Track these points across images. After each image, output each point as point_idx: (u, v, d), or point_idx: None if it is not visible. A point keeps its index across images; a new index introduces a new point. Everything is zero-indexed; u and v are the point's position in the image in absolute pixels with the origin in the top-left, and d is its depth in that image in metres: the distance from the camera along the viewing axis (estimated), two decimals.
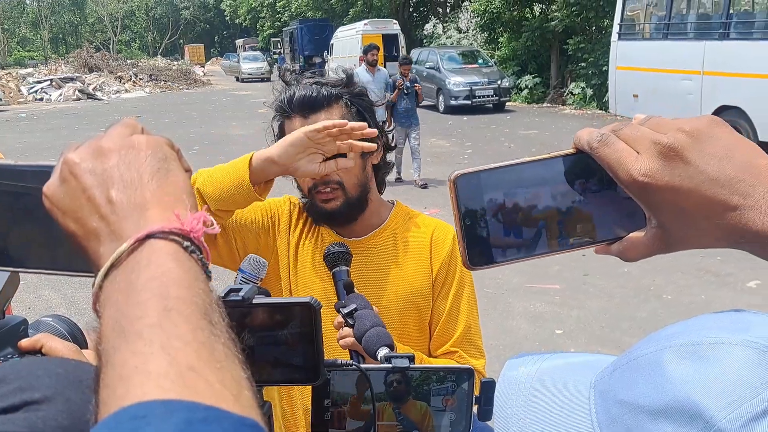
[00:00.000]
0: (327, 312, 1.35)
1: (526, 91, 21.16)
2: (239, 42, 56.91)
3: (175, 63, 45.73)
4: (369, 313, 1.19)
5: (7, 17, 69.03)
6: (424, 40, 28.74)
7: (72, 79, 30.56)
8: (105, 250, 0.51)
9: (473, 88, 18.39)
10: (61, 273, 0.65)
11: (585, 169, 0.60)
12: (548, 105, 20.42)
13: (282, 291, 1.59)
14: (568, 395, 0.58)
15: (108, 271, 0.49)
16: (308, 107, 1.50)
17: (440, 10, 31.42)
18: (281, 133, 1.54)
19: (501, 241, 0.60)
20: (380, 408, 0.97)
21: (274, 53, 45.29)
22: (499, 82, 18.76)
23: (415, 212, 1.68)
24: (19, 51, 71.60)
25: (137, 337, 0.43)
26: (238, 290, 0.79)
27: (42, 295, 5.78)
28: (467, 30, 25.80)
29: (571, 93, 19.55)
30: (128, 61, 39.77)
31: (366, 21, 25.90)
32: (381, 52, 10.87)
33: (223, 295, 0.77)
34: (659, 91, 11.51)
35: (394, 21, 26.35)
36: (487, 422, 0.97)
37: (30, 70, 37.58)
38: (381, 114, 8.45)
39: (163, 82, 34.65)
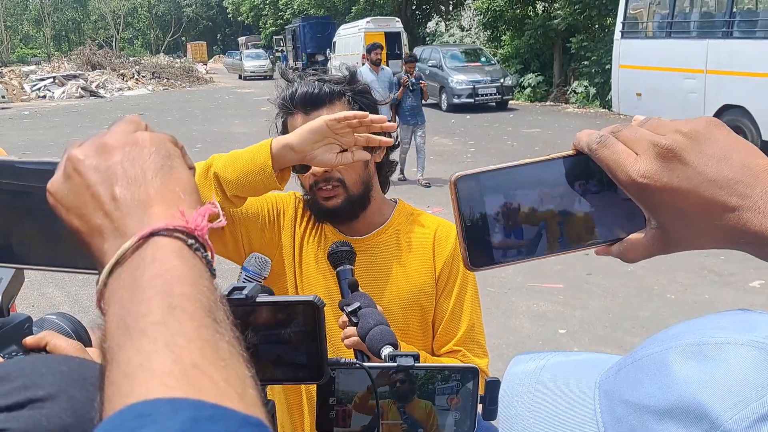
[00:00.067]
0: (331, 310, 1.36)
1: (528, 90, 21.13)
2: (242, 40, 56.89)
3: (178, 60, 45.75)
4: (373, 311, 1.19)
5: (10, 14, 69.07)
6: (427, 38, 28.67)
7: (75, 77, 30.61)
8: (109, 247, 0.51)
9: (476, 86, 18.36)
10: (65, 270, 0.65)
11: (585, 170, 0.60)
12: (551, 103, 20.40)
13: (287, 286, 1.59)
14: (572, 395, 0.57)
15: (112, 269, 0.49)
16: (310, 104, 1.50)
17: (443, 7, 31.39)
18: (284, 130, 1.54)
19: (501, 242, 0.60)
20: (385, 406, 0.97)
21: (277, 51, 45.29)
22: (501, 80, 18.74)
23: (418, 211, 1.68)
24: (22, 48, 71.68)
25: (142, 334, 0.43)
26: (242, 288, 0.79)
27: (46, 293, 5.79)
28: (470, 28, 25.75)
29: (574, 91, 19.52)
30: (131, 59, 39.79)
31: (368, 19, 25.86)
32: (384, 51, 10.83)
33: (226, 293, 0.77)
34: (662, 90, 11.50)
35: (397, 19, 26.32)
36: (491, 422, 0.97)
37: (33, 67, 37.64)
38: (385, 113, 8.40)
39: (165, 80, 34.66)
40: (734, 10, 10.72)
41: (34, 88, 29.25)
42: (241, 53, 45.12)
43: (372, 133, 1.41)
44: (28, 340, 0.92)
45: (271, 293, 0.92)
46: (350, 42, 25.41)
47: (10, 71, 33.04)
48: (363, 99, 1.54)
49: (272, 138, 1.42)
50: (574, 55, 19.94)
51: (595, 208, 0.61)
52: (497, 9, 22.58)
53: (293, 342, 0.81)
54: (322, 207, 1.54)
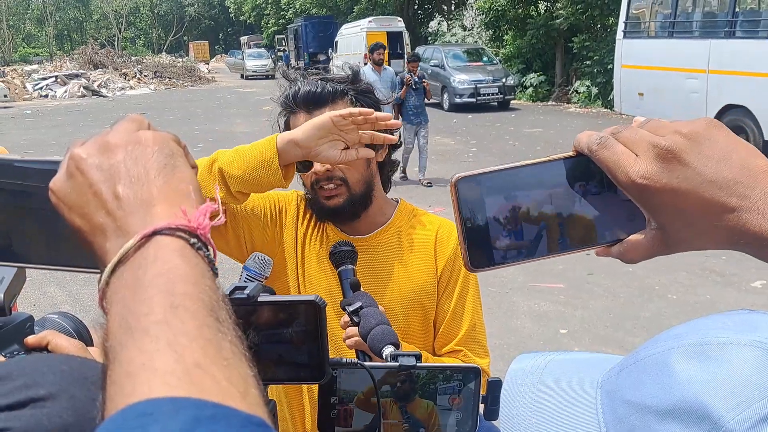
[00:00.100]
0: (332, 309, 1.36)
1: (530, 89, 21.13)
2: (244, 39, 56.84)
3: (180, 60, 45.78)
4: (374, 311, 1.19)
5: (12, 13, 69.14)
6: (429, 38, 28.68)
7: (77, 76, 30.63)
8: (111, 245, 0.51)
9: (478, 86, 18.36)
10: (66, 269, 0.65)
11: (585, 171, 0.61)
12: (553, 103, 20.39)
13: (289, 284, 1.59)
14: (574, 395, 0.57)
15: (114, 267, 0.49)
16: (312, 102, 1.50)
17: (445, 7, 31.38)
18: (287, 130, 1.54)
19: (502, 244, 0.61)
20: (386, 406, 0.97)
21: (279, 50, 45.26)
22: (503, 80, 18.73)
23: (420, 210, 1.68)
24: (24, 48, 71.75)
25: (144, 333, 0.43)
26: (243, 288, 0.79)
27: (47, 292, 5.79)
28: (472, 28, 25.75)
29: (576, 91, 19.52)
30: (133, 58, 39.81)
31: (370, 18, 25.86)
32: (386, 51, 10.83)
33: (228, 292, 0.77)
34: (664, 90, 11.50)
35: (399, 18, 26.31)
36: (493, 422, 0.97)
37: (35, 66, 37.71)
38: (388, 112, 8.38)
39: (167, 79, 34.67)
40: (737, 9, 10.71)
41: (37, 88, 29.29)
42: (243, 53, 45.04)
43: (376, 131, 1.41)
44: (30, 339, 0.92)
45: (273, 293, 0.92)
46: (352, 41, 25.41)
47: (12, 70, 33.13)
48: (366, 98, 1.54)
49: (277, 134, 1.42)
50: (576, 54, 19.93)
51: (596, 209, 0.61)
52: (499, 8, 22.58)
53: (295, 342, 0.81)
54: (324, 206, 1.54)
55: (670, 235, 0.58)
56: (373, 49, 9.75)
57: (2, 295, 0.91)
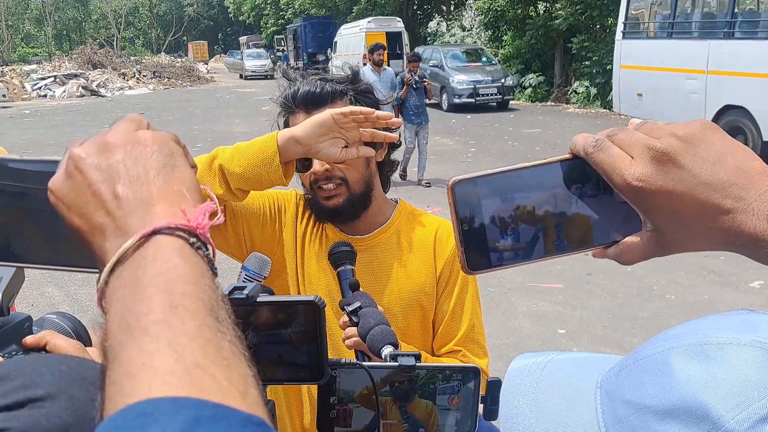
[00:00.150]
0: (331, 309, 1.35)
1: (529, 90, 21.13)
2: (243, 39, 56.83)
3: (179, 60, 45.74)
4: (373, 311, 1.19)
5: (12, 13, 69.06)
6: (428, 38, 28.67)
7: (76, 76, 30.61)
8: (111, 245, 0.51)
9: (477, 86, 18.37)
10: (65, 269, 0.65)
11: (581, 174, 0.61)
12: (552, 104, 20.40)
13: (288, 283, 1.59)
14: (574, 395, 0.57)
15: (114, 267, 0.49)
16: (312, 103, 1.50)
17: (444, 7, 31.39)
18: None
19: (499, 246, 0.61)
20: (386, 406, 0.97)
21: (278, 51, 45.28)
22: (502, 80, 18.74)
23: (419, 211, 1.68)
24: (23, 47, 71.68)
25: (144, 333, 0.43)
26: (243, 288, 0.79)
27: (45, 292, 5.79)
28: (471, 28, 25.74)
29: (575, 92, 19.53)
30: (132, 58, 39.75)
31: (370, 18, 25.87)
32: (385, 51, 10.83)
33: (227, 292, 0.76)
34: (663, 91, 11.50)
35: (398, 19, 26.33)
36: (492, 422, 0.97)
37: (34, 66, 37.63)
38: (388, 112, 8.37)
39: (166, 79, 34.65)
40: (736, 10, 10.72)
41: (35, 87, 29.26)
42: (242, 53, 45.02)
43: (376, 130, 1.41)
44: (28, 339, 0.92)
45: (271, 293, 0.92)
46: (351, 42, 25.42)
47: (11, 70, 33.06)
48: (365, 98, 1.54)
49: (278, 131, 1.41)
50: (575, 55, 19.94)
51: (592, 211, 0.62)
52: (498, 9, 22.58)
53: (294, 342, 0.81)
54: (323, 207, 1.54)
55: (666, 237, 0.59)
56: (373, 49, 9.74)
57: (1, 295, 0.91)
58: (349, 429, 0.97)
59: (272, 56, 42.93)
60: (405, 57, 20.52)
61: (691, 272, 5.88)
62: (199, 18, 79.99)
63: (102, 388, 0.43)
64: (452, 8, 30.51)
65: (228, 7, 69.68)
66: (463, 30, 26.02)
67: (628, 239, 0.61)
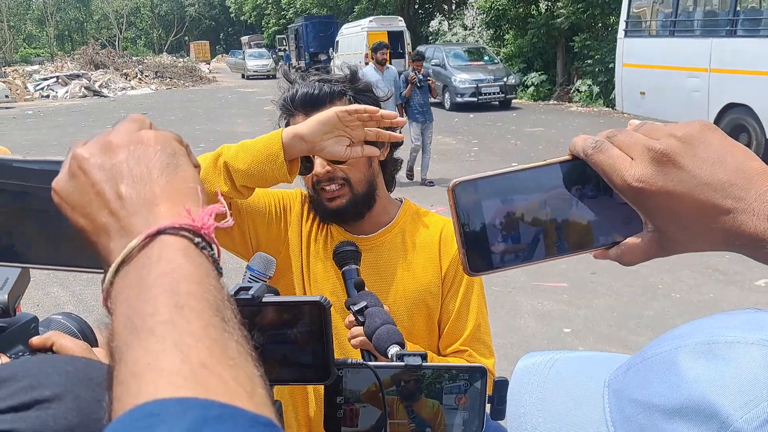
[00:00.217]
0: (337, 309, 1.35)
1: (532, 89, 21.12)
2: (244, 39, 56.88)
3: (181, 60, 45.78)
4: (379, 310, 1.19)
5: (13, 14, 69.20)
6: (430, 37, 28.66)
7: (78, 76, 30.65)
8: (115, 245, 0.51)
9: (479, 85, 18.36)
10: (70, 269, 0.65)
11: (581, 175, 0.61)
12: (554, 102, 20.38)
13: (293, 283, 1.59)
14: (581, 394, 0.57)
15: (118, 267, 0.49)
16: (310, 105, 1.49)
17: (446, 6, 31.35)
18: None
19: (500, 247, 0.61)
20: (392, 406, 0.97)
21: (280, 50, 45.30)
22: (505, 79, 18.73)
23: (424, 210, 1.68)
24: (25, 48, 71.80)
25: (149, 333, 0.43)
26: (248, 288, 0.78)
27: (50, 293, 5.80)
28: (473, 27, 25.72)
29: (578, 90, 19.51)
30: (134, 58, 39.84)
31: (371, 18, 25.87)
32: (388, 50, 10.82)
33: (232, 293, 0.76)
34: (666, 89, 11.49)
35: (400, 18, 26.33)
36: (499, 421, 0.97)
37: (36, 67, 37.76)
38: (390, 110, 8.33)
39: (168, 79, 34.70)
40: (738, 8, 10.70)
41: (38, 88, 29.32)
42: (244, 52, 45.03)
43: (380, 128, 1.41)
44: (35, 340, 0.92)
45: (277, 293, 0.92)
46: (353, 41, 25.43)
47: (13, 71, 33.16)
48: (365, 97, 1.54)
49: (282, 128, 1.41)
50: (578, 53, 19.92)
51: (592, 212, 0.62)
52: (500, 8, 22.57)
53: (300, 342, 0.81)
54: (327, 208, 1.54)
55: (667, 237, 0.59)
56: (377, 48, 9.72)
57: (6, 296, 0.91)
58: (356, 429, 0.97)
59: (274, 56, 42.95)
60: (407, 56, 20.51)
61: (695, 271, 5.87)
62: (201, 18, 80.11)
63: (110, 388, 0.43)
64: (454, 7, 30.48)
65: (229, 7, 69.76)
66: (465, 29, 26.00)
67: (629, 240, 0.61)
